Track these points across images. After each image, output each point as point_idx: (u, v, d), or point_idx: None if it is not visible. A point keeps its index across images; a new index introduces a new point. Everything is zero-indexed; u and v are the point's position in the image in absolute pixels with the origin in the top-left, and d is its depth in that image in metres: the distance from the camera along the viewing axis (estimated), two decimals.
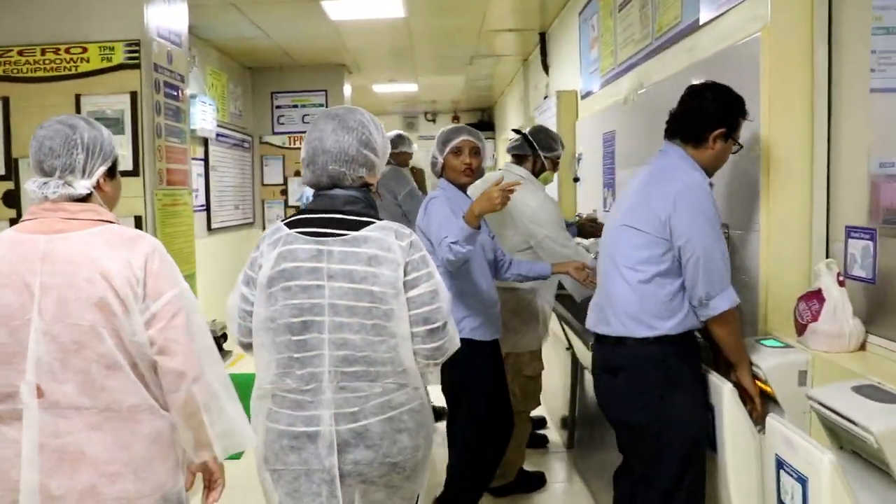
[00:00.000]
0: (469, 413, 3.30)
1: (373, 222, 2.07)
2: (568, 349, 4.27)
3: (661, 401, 2.44)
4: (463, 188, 3.37)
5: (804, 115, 2.62)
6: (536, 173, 3.96)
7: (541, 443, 4.73)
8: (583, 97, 5.71)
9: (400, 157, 5.81)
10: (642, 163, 3.78)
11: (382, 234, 2.05)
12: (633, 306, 2.46)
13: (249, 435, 2.04)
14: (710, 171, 2.55)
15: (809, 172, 2.61)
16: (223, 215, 7.75)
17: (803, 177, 2.62)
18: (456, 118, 15.13)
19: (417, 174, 6.20)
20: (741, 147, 2.56)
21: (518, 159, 4.00)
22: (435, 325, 2.06)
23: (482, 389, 3.27)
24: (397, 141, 5.69)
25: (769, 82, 2.62)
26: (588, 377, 3.98)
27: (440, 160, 3.37)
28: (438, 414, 3.07)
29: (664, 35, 3.68)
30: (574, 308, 3.82)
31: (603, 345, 2.60)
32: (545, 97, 7.20)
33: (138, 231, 2.02)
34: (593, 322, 2.64)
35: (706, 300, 2.38)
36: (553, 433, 4.93)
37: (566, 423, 4.68)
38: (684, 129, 2.54)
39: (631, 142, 4.27)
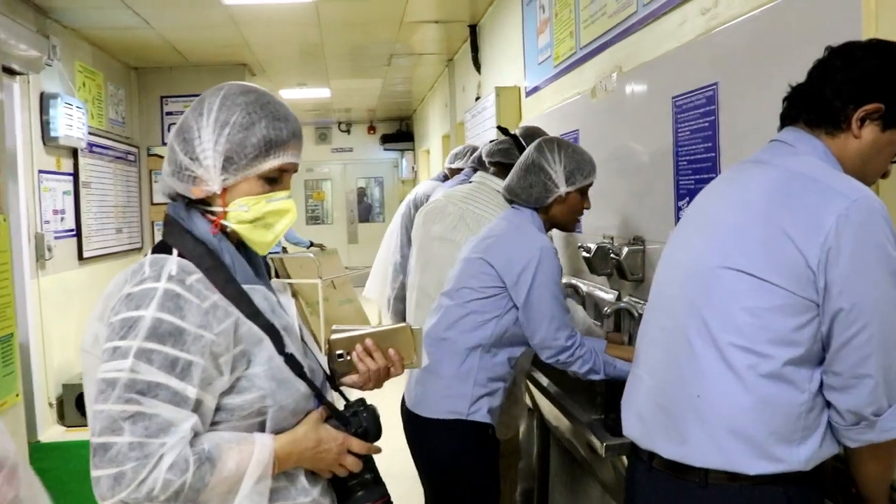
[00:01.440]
0: None
1: None
2: (532, 412, 3.31)
3: None
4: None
5: None
6: None
7: None
8: (528, 94, 4.80)
9: None
10: (635, 169, 2.94)
11: None
12: (744, 418, 1.41)
13: None
14: (861, 175, 1.49)
15: None
16: (100, 241, 6.56)
17: None
18: (372, 129, 14.17)
19: None
20: None
21: (502, 170, 2.97)
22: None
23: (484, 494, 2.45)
24: None
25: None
26: (562, 455, 3.04)
27: (563, 194, 2.42)
28: None
29: None
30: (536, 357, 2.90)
31: (667, 478, 1.53)
32: (477, 98, 6.28)
33: None
34: (646, 432, 1.59)
35: (874, 414, 1.36)
36: None
37: None
38: (811, 106, 1.52)
39: (605, 143, 3.33)
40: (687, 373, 1.49)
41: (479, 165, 3.68)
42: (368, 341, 1.53)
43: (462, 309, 2.33)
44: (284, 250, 8.21)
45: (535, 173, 2.39)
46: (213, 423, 1.34)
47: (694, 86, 2.43)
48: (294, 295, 7.64)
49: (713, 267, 1.47)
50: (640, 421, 1.61)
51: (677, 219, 2.59)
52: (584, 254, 3.15)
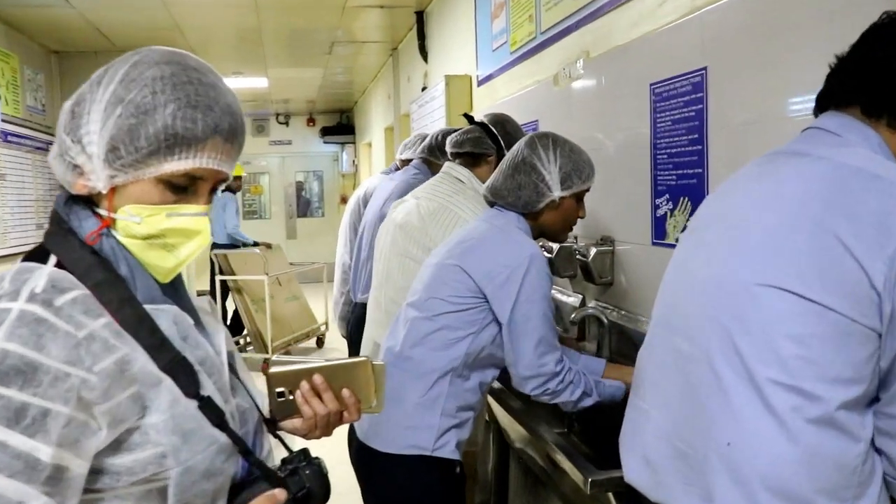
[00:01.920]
0: None
1: None
2: (488, 423, 3.05)
3: None
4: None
5: None
6: None
7: None
8: (480, 83, 4.54)
9: None
10: (604, 163, 2.59)
11: None
12: (787, 472, 1.13)
13: None
14: None
15: None
16: (19, 238, 6.09)
17: None
18: (311, 121, 13.76)
19: None
20: None
21: (472, 161, 2.65)
22: None
23: None
24: None
25: None
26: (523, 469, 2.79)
27: (556, 199, 2.06)
28: None
29: None
30: None
31: None
32: (423, 88, 6.00)
33: None
34: (658, 482, 1.32)
35: None
36: None
37: None
38: (877, 88, 1.21)
39: (567, 135, 3.04)
40: (713, 412, 1.20)
41: (429, 155, 3.39)
42: (317, 378, 1.19)
43: (431, 323, 1.96)
44: (236, 246, 7.77)
45: (526, 173, 2.04)
46: (92, 492, 0.98)
47: (677, 71, 2.18)
48: (239, 291, 7.30)
49: (747, 283, 1.18)
50: (648, 467, 1.33)
51: (655, 218, 2.35)
52: (546, 253, 2.90)
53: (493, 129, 2.61)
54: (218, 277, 7.39)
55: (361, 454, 2.05)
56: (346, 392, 1.21)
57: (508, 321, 1.93)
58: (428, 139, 3.45)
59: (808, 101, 1.68)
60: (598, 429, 2.58)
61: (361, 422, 2.01)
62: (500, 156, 2.54)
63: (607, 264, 2.66)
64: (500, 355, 2.00)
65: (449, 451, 1.97)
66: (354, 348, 3.44)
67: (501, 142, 2.58)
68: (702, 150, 2.07)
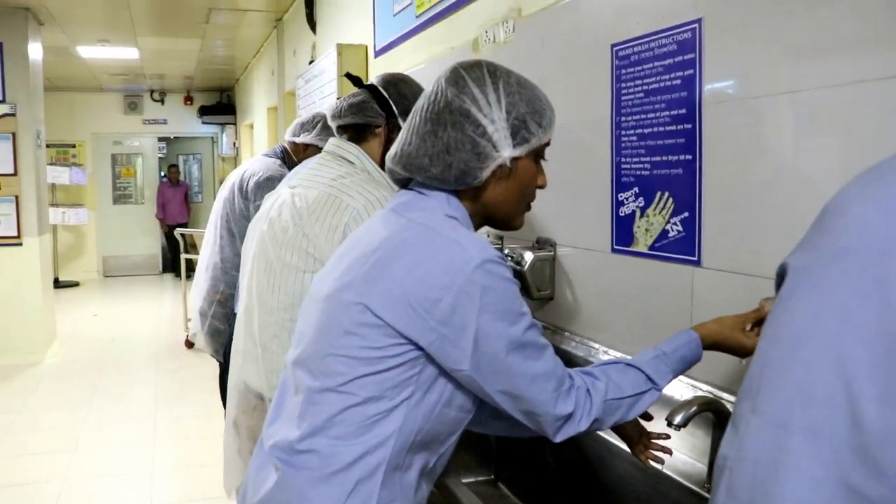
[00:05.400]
0: None
1: None
2: None
3: None
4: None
5: None
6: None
7: None
8: (378, 53, 3.94)
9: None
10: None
11: None
12: None
13: None
14: None
15: None
16: None
17: None
18: (189, 99, 12.77)
19: None
20: None
21: (356, 133, 1.97)
22: None
23: None
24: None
25: None
26: None
27: (506, 161, 1.29)
28: None
29: None
30: None
31: None
32: (311, 62, 5.34)
33: None
34: None
35: None
36: None
37: None
38: None
39: None
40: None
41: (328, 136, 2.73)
42: None
43: (337, 397, 1.21)
44: None
45: (456, 125, 1.27)
46: None
47: (655, 27, 1.66)
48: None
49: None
50: None
51: (616, 216, 1.83)
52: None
53: (383, 91, 1.97)
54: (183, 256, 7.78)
55: None
56: None
57: (474, 370, 1.19)
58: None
59: (851, 63, 1.18)
60: (533, 477, 2.05)
61: None
62: (393, 127, 1.93)
63: (547, 274, 2.12)
64: (453, 416, 1.27)
65: None
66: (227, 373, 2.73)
67: (395, 108, 1.94)
68: (692, 129, 1.55)
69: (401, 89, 1.97)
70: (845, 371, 0.63)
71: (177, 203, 12.43)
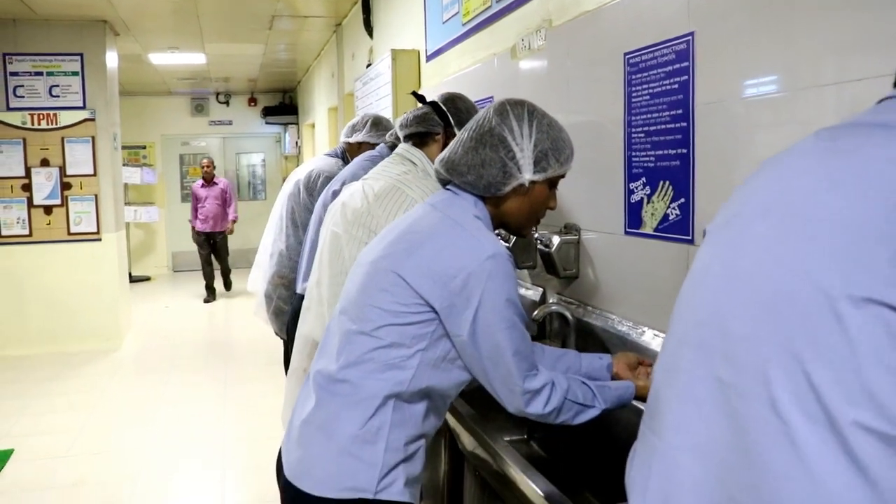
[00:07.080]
0: None
1: None
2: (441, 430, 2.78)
3: None
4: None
5: None
6: None
7: None
8: (429, 58, 4.24)
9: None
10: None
11: None
12: None
13: None
14: None
15: None
16: None
17: None
18: (253, 100, 13.27)
19: None
20: None
21: (419, 140, 2.40)
22: None
23: None
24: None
25: None
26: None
27: (525, 182, 1.67)
28: None
29: None
30: None
31: None
32: (368, 65, 5.67)
33: None
34: None
35: None
36: None
37: None
38: None
39: None
40: (778, 468, 0.83)
41: (396, 140, 3.08)
42: None
43: (369, 339, 1.58)
44: None
45: (493, 147, 1.64)
46: None
47: (658, 38, 1.93)
48: None
49: (830, 293, 0.82)
50: None
51: (629, 204, 2.10)
52: (503, 242, 2.63)
53: (442, 106, 2.38)
54: None
55: (288, 495, 1.64)
56: None
57: (469, 339, 1.55)
58: (397, 124, 3.14)
59: (826, 69, 1.43)
60: (560, 435, 2.33)
61: (289, 455, 1.68)
62: (449, 135, 2.35)
63: (572, 255, 2.40)
64: (456, 372, 1.63)
65: (396, 492, 1.59)
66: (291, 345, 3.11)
67: (451, 119, 2.36)
68: (687, 127, 1.82)
69: (457, 105, 2.38)
70: (721, 309, 0.94)
71: (212, 206, 9.97)
